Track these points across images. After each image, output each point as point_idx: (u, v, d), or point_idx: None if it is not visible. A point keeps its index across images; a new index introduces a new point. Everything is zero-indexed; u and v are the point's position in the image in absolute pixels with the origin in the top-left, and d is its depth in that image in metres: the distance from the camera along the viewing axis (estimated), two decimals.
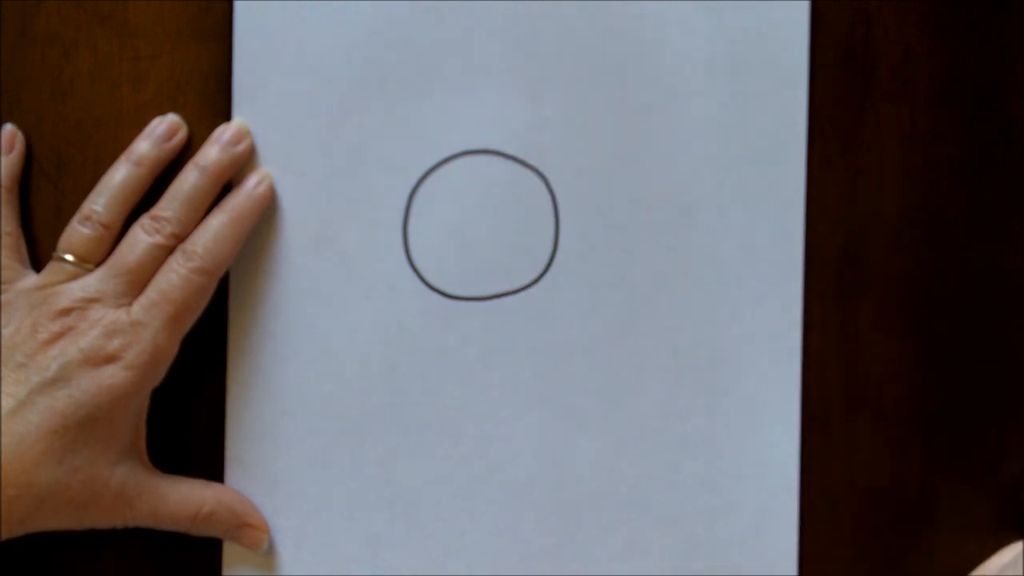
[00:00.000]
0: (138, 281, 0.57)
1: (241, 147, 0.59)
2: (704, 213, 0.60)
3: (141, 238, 0.57)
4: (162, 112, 0.60)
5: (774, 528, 0.60)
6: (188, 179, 0.58)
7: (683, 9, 0.60)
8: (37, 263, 0.60)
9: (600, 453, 0.61)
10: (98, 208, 0.58)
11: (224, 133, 0.59)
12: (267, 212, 0.60)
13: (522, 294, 0.61)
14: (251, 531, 0.60)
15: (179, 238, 0.58)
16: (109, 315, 0.56)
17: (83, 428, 0.55)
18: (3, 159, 0.59)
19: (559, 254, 0.61)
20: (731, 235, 0.60)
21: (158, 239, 0.57)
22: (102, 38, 0.60)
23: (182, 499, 0.58)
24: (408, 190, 0.60)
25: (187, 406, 0.61)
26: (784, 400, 0.61)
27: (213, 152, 0.59)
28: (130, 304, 0.57)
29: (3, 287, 0.57)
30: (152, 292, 0.57)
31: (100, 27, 0.60)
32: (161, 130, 0.59)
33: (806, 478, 0.60)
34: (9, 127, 0.60)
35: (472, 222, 0.61)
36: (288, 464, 0.61)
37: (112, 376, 0.55)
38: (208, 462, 0.61)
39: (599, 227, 0.60)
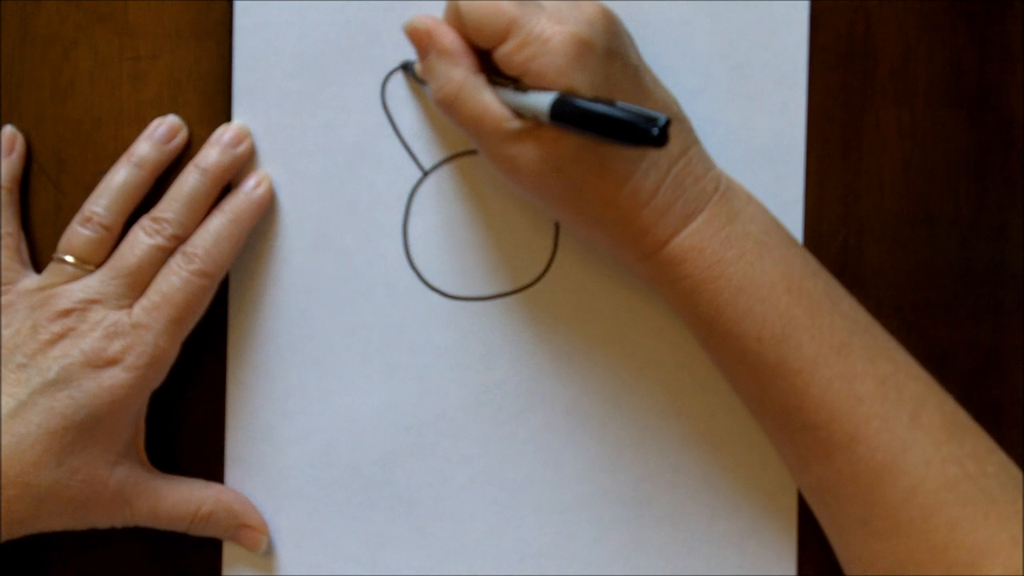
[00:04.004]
0: (138, 283, 0.57)
1: (241, 148, 0.59)
2: None
3: (142, 240, 0.57)
4: (162, 112, 0.60)
5: (774, 528, 0.60)
6: (188, 180, 0.58)
7: (683, 9, 0.60)
8: (37, 264, 0.60)
9: (600, 453, 0.61)
10: (99, 210, 0.58)
11: (224, 134, 0.59)
12: (267, 212, 0.60)
13: (522, 294, 0.61)
14: (250, 532, 0.60)
15: (179, 239, 0.58)
16: (110, 317, 0.56)
17: (83, 429, 0.55)
18: (3, 160, 0.59)
19: (559, 254, 0.61)
20: None
21: (159, 240, 0.57)
22: (102, 38, 0.60)
23: (181, 499, 0.58)
24: (408, 190, 0.60)
25: (187, 406, 0.61)
26: None
27: (213, 153, 0.59)
28: (131, 306, 0.57)
29: (3, 288, 0.57)
30: (153, 294, 0.57)
31: (100, 27, 0.60)
32: (161, 132, 0.59)
33: None
34: (9, 129, 0.60)
35: (472, 222, 0.61)
36: (288, 464, 0.61)
37: (113, 378, 0.55)
38: (208, 462, 0.61)
39: None
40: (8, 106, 0.60)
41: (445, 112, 0.55)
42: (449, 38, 0.54)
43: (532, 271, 0.61)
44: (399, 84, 0.60)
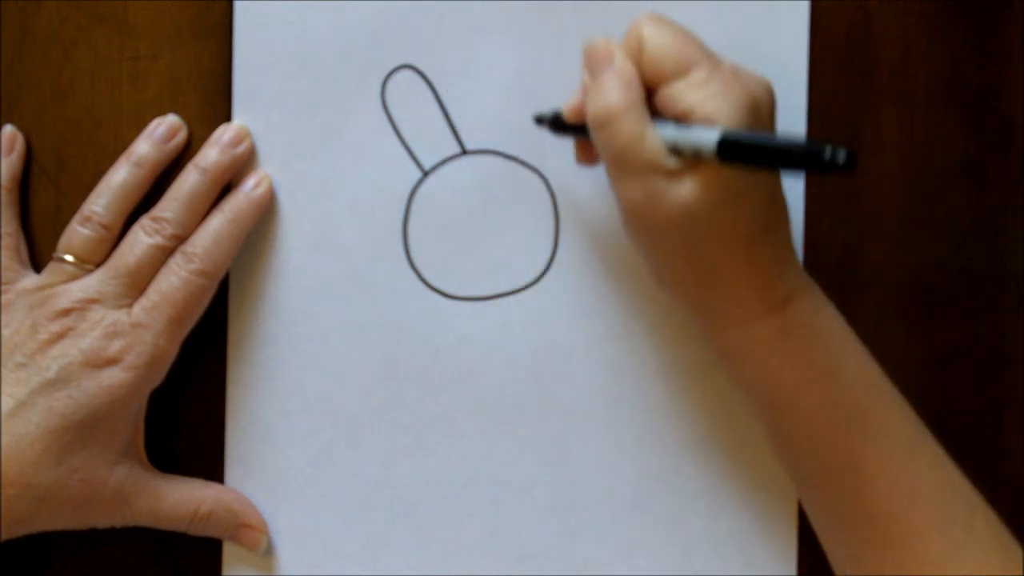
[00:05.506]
0: (138, 283, 0.57)
1: (241, 148, 0.59)
2: None
3: (141, 239, 0.57)
4: (162, 112, 0.60)
5: (774, 528, 0.60)
6: (188, 180, 0.58)
7: (684, 9, 0.60)
8: (37, 264, 0.60)
9: (600, 453, 0.61)
10: (98, 209, 0.58)
11: (224, 134, 0.59)
12: (267, 212, 0.60)
13: (522, 294, 0.61)
14: (249, 532, 0.60)
15: (179, 239, 0.58)
16: (109, 316, 0.56)
17: (82, 428, 0.55)
18: (3, 160, 0.59)
19: (559, 254, 0.61)
20: None
21: (158, 240, 0.57)
22: (102, 38, 0.60)
23: (180, 499, 0.58)
24: (408, 190, 0.60)
25: (187, 406, 0.61)
26: None
27: (213, 153, 0.59)
28: (130, 305, 0.57)
29: (3, 288, 0.57)
30: (153, 294, 0.57)
31: (100, 27, 0.60)
32: (161, 131, 0.59)
33: None
34: (9, 128, 0.60)
35: (472, 222, 0.61)
36: (288, 464, 0.61)
37: (112, 377, 0.55)
38: (208, 462, 0.61)
39: (598, 227, 0.60)
40: (8, 106, 0.60)
41: (599, 130, 0.53)
42: (629, 64, 0.54)
43: (532, 271, 0.61)
44: (399, 84, 0.60)
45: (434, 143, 0.60)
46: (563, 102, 0.57)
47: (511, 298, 0.61)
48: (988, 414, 0.62)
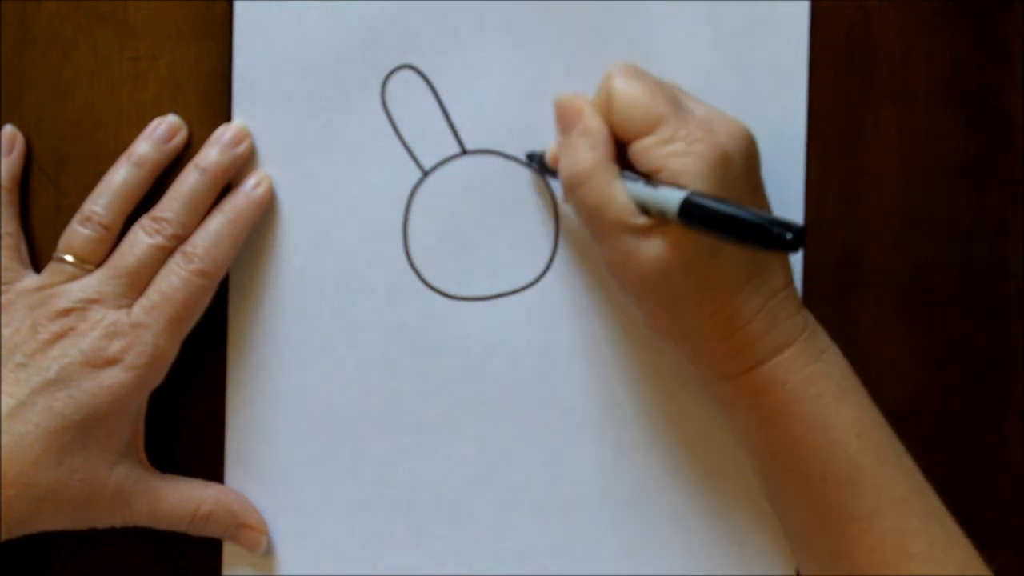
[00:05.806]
0: (138, 283, 0.57)
1: (241, 148, 0.59)
2: None
3: (141, 239, 0.57)
4: (162, 112, 0.60)
5: (774, 528, 0.60)
6: (188, 180, 0.58)
7: (683, 9, 0.60)
8: (37, 264, 0.60)
9: (600, 453, 0.61)
10: (98, 209, 0.58)
11: (224, 134, 0.59)
12: (267, 212, 0.60)
13: (522, 294, 0.61)
14: (249, 532, 0.60)
15: (179, 239, 0.58)
16: (109, 316, 0.56)
17: (82, 428, 0.55)
18: (3, 160, 0.59)
19: (559, 254, 0.61)
20: None
21: (158, 240, 0.57)
22: (102, 38, 0.60)
23: (180, 499, 0.58)
24: (408, 190, 0.60)
25: (187, 406, 0.61)
26: None
27: (213, 153, 0.59)
28: (130, 305, 0.57)
29: (3, 288, 0.57)
30: (153, 294, 0.57)
31: (100, 27, 0.60)
32: (161, 131, 0.59)
33: None
34: (9, 128, 0.60)
35: (472, 222, 0.61)
36: (288, 464, 0.61)
37: (112, 377, 0.55)
38: (208, 462, 0.61)
39: None
40: (8, 106, 0.60)
41: (570, 192, 0.55)
42: (597, 121, 0.55)
43: (532, 271, 0.61)
44: (399, 84, 0.60)
45: (434, 143, 0.60)
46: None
47: (511, 298, 0.61)
48: (988, 414, 0.62)
